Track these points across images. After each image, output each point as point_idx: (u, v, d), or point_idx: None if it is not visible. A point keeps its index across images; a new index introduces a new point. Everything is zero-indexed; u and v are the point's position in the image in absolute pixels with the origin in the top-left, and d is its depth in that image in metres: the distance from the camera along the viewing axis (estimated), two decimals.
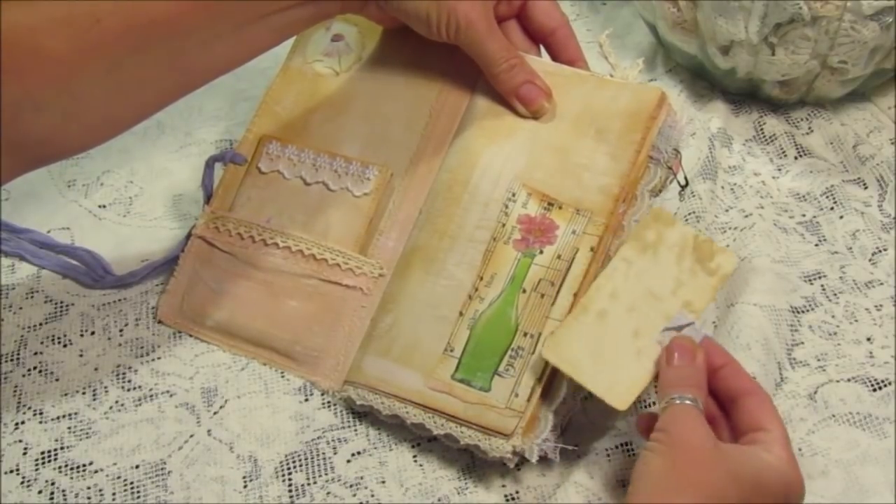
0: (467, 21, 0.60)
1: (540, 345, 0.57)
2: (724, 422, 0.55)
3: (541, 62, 0.65)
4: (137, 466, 0.59)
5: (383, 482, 0.59)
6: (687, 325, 0.55)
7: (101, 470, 0.59)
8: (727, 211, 0.72)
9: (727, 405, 0.55)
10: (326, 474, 0.59)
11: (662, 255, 0.57)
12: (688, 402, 0.52)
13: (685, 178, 0.65)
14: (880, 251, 0.69)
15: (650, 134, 0.60)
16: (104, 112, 0.53)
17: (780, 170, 0.74)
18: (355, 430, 0.61)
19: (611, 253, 0.59)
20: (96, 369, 0.64)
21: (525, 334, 0.58)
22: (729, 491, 0.49)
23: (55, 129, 0.52)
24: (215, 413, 0.62)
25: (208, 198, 0.67)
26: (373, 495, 0.58)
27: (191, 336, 0.65)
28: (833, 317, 0.66)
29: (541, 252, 0.60)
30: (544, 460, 0.57)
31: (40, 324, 0.66)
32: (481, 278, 0.60)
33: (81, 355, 0.64)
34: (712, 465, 0.49)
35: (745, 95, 0.78)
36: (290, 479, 0.59)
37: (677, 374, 0.53)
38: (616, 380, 0.54)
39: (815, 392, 0.62)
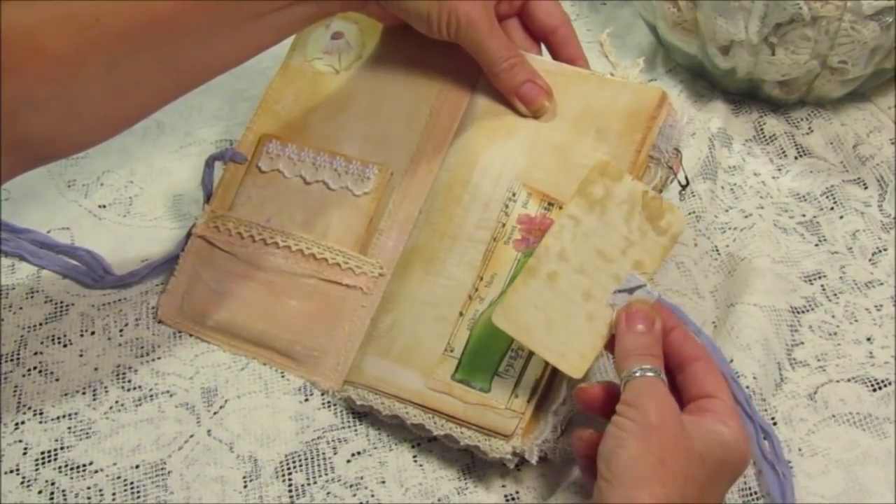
0: (468, 19, 0.60)
1: None
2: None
3: (541, 61, 0.64)
4: (137, 466, 0.59)
5: (383, 482, 0.59)
6: (639, 286, 0.54)
7: (101, 470, 0.59)
8: (727, 211, 0.72)
9: (674, 370, 0.54)
10: (326, 474, 0.59)
11: (611, 212, 0.55)
12: (650, 374, 0.51)
13: (685, 178, 0.65)
14: (880, 251, 0.69)
15: (651, 134, 0.60)
16: (103, 111, 0.53)
17: (780, 170, 0.74)
18: (355, 430, 0.61)
19: None
20: (96, 369, 0.64)
21: None
22: (700, 471, 0.49)
23: (54, 128, 0.51)
24: (215, 413, 0.62)
25: (208, 197, 0.67)
26: (373, 495, 0.58)
27: (191, 336, 0.65)
28: (833, 317, 0.66)
29: None
30: (544, 461, 0.57)
31: (40, 324, 0.66)
32: (481, 278, 0.60)
33: (81, 355, 0.64)
34: (684, 446, 0.49)
35: (745, 95, 0.78)
36: (290, 479, 0.59)
37: (636, 342, 0.52)
38: (569, 346, 0.53)
39: (815, 392, 0.62)
